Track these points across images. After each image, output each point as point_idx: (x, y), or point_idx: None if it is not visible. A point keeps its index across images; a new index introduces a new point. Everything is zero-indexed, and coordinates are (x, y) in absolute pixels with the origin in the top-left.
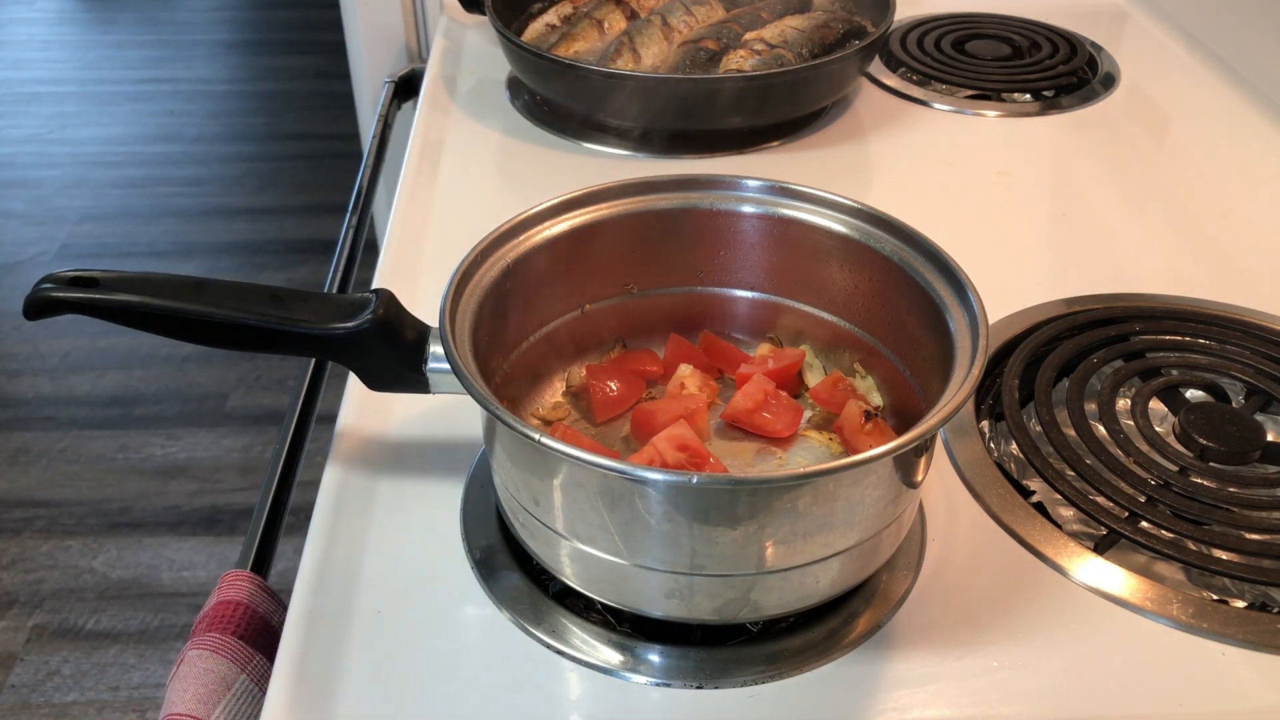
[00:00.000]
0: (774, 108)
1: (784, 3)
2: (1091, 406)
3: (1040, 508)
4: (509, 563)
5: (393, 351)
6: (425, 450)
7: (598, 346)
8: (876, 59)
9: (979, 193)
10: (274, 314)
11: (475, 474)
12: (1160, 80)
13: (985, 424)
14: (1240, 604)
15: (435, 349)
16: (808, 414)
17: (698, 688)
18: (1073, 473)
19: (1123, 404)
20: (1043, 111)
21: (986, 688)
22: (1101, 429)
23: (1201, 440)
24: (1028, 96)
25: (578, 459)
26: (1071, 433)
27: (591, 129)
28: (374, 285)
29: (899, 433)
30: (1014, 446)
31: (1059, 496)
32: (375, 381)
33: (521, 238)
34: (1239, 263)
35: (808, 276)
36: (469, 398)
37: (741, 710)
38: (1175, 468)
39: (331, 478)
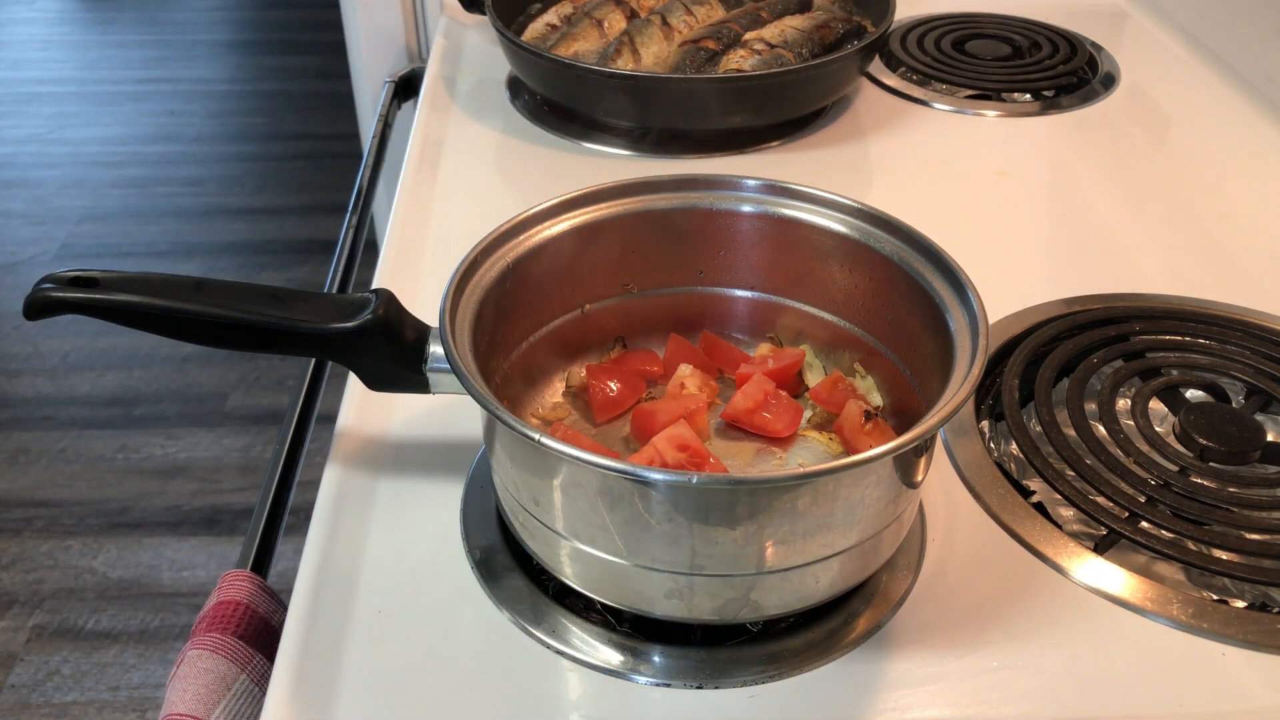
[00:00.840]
0: (774, 108)
1: (784, 2)
2: (1091, 406)
3: (1040, 508)
4: (509, 563)
5: (392, 351)
6: (425, 450)
7: (598, 346)
8: (876, 59)
9: (979, 192)
10: (274, 314)
11: (475, 474)
12: (1160, 80)
13: (985, 424)
14: (1240, 604)
15: (435, 349)
16: (808, 414)
17: (698, 688)
18: (1073, 473)
19: (1123, 404)
20: (1043, 111)
21: (986, 687)
22: (1101, 429)
23: (1201, 440)
24: (1028, 96)
25: (577, 459)
26: (1071, 433)
27: (591, 129)
28: (374, 285)
29: (899, 433)
30: (1014, 446)
31: (1059, 496)
32: (375, 381)
33: (521, 238)
34: (1239, 262)
35: (808, 276)
36: (469, 398)
37: (742, 710)
38: (1175, 468)
39: (331, 478)
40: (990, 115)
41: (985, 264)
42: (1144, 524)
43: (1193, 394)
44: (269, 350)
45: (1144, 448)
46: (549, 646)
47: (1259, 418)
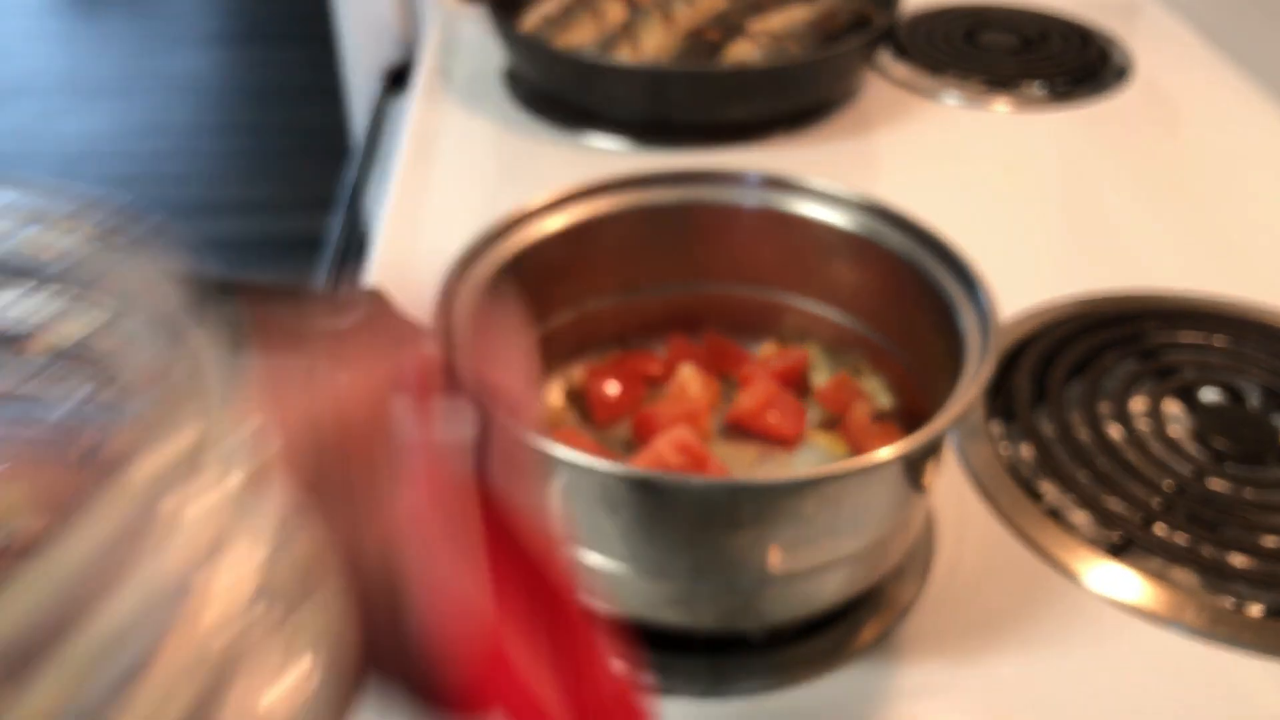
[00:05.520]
0: (778, 100)
1: None
2: (1105, 407)
3: (1052, 512)
4: None
5: None
6: None
7: (598, 346)
8: (884, 50)
9: (989, 187)
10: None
11: None
12: (1174, 73)
13: (996, 425)
14: (1256, 611)
15: None
16: (813, 415)
17: (700, 696)
18: (1085, 476)
19: (1136, 405)
20: (1054, 104)
21: (997, 697)
22: (1115, 431)
23: (1217, 442)
24: (1038, 89)
25: (576, 463)
26: (1084, 434)
27: (590, 121)
28: (365, 283)
29: (907, 435)
30: (1025, 448)
31: (1071, 500)
32: None
33: (517, 234)
34: (1255, 259)
35: (813, 273)
36: None
37: None
38: (1190, 471)
39: None
40: (1000, 108)
41: (995, 260)
42: (1158, 529)
43: (1208, 395)
44: None
45: (1158, 450)
46: None
47: (1276, 419)
